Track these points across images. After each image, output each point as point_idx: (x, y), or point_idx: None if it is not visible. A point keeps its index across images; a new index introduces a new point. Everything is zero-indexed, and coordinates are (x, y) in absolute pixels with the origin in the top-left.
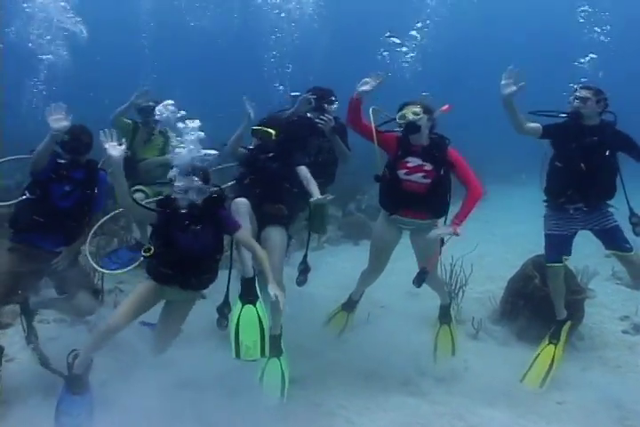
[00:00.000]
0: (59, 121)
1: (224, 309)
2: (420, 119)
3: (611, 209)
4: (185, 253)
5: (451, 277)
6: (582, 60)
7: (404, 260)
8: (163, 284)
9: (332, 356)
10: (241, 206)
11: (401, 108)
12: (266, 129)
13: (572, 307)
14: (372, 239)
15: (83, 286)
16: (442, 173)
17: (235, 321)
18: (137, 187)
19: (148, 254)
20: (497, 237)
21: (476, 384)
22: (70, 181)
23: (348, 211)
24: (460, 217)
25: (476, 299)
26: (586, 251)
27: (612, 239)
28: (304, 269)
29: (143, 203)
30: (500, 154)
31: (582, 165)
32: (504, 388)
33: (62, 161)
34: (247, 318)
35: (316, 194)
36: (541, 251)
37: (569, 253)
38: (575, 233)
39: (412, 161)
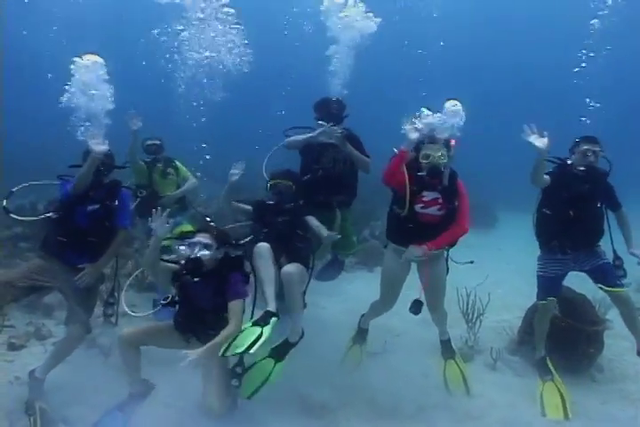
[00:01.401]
0: (99, 145)
1: (237, 368)
2: (444, 163)
3: (600, 248)
4: (191, 305)
5: (467, 307)
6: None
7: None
8: (179, 331)
9: (346, 383)
10: (263, 250)
11: (421, 144)
12: (286, 182)
13: (592, 338)
14: (382, 273)
15: (81, 317)
16: (451, 205)
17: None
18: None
19: (165, 302)
20: (511, 266)
21: (494, 416)
22: (93, 201)
23: (362, 237)
24: (436, 243)
25: (493, 328)
26: None
27: (604, 276)
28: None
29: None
30: (516, 181)
31: (571, 212)
32: (525, 420)
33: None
34: (248, 333)
35: (324, 233)
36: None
37: (556, 294)
38: (566, 274)
39: (428, 195)
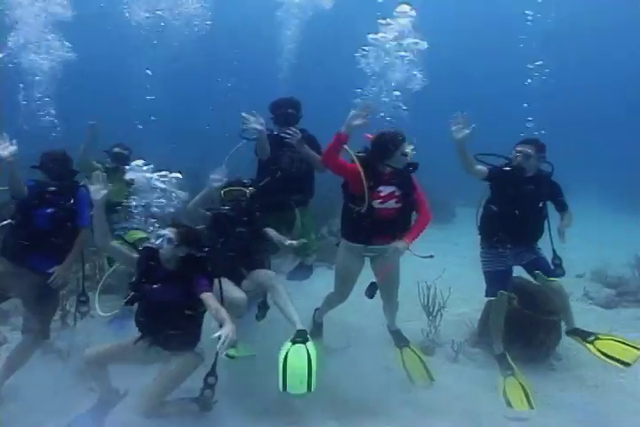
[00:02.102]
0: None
1: (209, 378)
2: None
3: (537, 245)
4: (151, 303)
5: (428, 300)
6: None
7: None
8: (142, 334)
9: None
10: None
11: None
12: (240, 188)
13: (549, 328)
14: (336, 270)
15: (37, 325)
16: (409, 196)
17: (283, 357)
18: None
19: (124, 302)
20: (467, 260)
21: (458, 408)
22: (52, 204)
23: (320, 235)
24: (412, 236)
25: (453, 322)
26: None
27: (540, 267)
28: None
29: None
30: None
31: (516, 211)
32: (488, 411)
33: (51, 188)
34: (296, 354)
35: (286, 242)
36: (515, 273)
37: (508, 288)
38: (510, 269)
39: (384, 189)
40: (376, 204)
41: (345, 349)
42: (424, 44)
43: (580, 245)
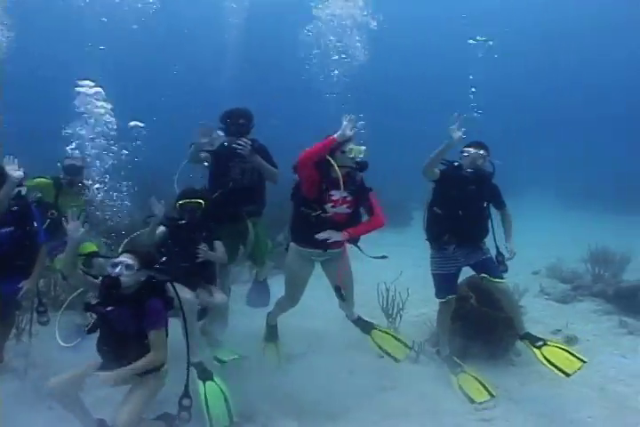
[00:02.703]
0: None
1: (183, 400)
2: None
3: (484, 245)
4: (111, 330)
5: (387, 303)
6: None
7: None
8: (104, 361)
9: (272, 386)
10: (193, 307)
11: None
12: (196, 200)
13: (507, 324)
14: (286, 274)
15: None
16: (363, 202)
17: (203, 399)
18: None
19: (87, 329)
20: (424, 261)
21: (422, 408)
22: (6, 224)
23: (277, 242)
24: (355, 231)
25: (412, 322)
26: (515, 269)
27: (487, 269)
28: None
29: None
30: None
31: (460, 211)
32: (452, 408)
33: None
34: (212, 393)
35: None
36: (470, 272)
37: (455, 292)
38: (459, 270)
39: (335, 194)
40: (328, 208)
41: (305, 354)
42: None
43: (535, 242)
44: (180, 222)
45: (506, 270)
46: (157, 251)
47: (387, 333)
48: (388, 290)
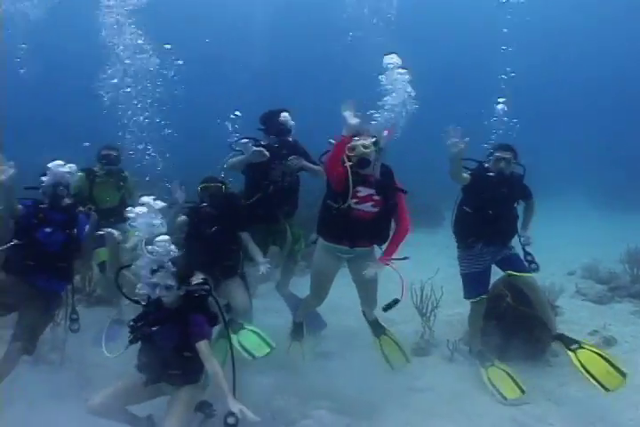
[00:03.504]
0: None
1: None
2: (370, 153)
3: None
4: (152, 344)
5: (421, 301)
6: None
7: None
8: (145, 375)
9: (306, 385)
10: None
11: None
12: (216, 184)
13: (544, 323)
14: (312, 269)
15: (26, 336)
16: (389, 202)
17: (237, 344)
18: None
19: (128, 342)
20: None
21: (456, 406)
22: (50, 224)
23: (309, 241)
24: (388, 254)
25: (446, 322)
26: (550, 269)
27: (512, 264)
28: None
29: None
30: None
31: (490, 212)
32: (486, 407)
33: (43, 206)
34: (244, 335)
35: (259, 259)
36: (501, 274)
37: (485, 291)
38: (488, 269)
39: (362, 190)
40: (352, 203)
41: (340, 352)
42: None
43: (570, 242)
44: (201, 205)
45: (537, 269)
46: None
47: (393, 340)
48: (422, 289)
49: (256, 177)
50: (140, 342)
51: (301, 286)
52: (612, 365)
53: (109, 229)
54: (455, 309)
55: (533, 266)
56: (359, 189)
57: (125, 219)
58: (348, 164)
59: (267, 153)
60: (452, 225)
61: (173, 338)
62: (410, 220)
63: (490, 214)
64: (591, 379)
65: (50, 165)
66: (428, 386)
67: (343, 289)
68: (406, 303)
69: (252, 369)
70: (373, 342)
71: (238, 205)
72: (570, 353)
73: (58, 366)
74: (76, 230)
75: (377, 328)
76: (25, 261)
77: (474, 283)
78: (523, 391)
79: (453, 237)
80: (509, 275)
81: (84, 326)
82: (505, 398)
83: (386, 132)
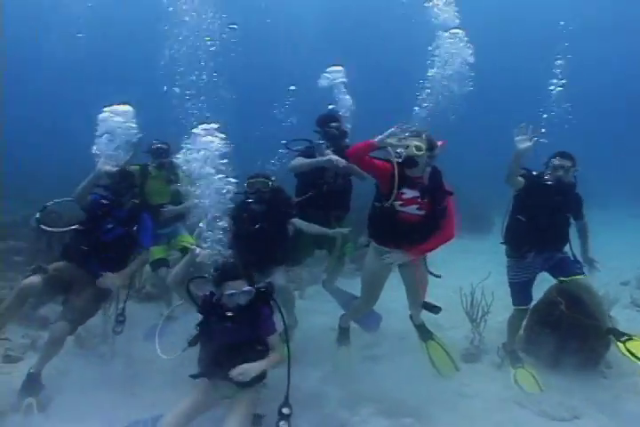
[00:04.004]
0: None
1: (283, 409)
2: (420, 156)
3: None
4: (222, 344)
5: (472, 306)
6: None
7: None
8: (210, 378)
9: (355, 388)
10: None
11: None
12: (262, 179)
13: (599, 333)
14: (363, 272)
15: (73, 316)
16: (437, 205)
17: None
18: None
19: (188, 344)
20: None
21: (505, 415)
22: (113, 220)
23: (358, 244)
24: (421, 249)
25: (497, 329)
26: (603, 279)
27: (563, 268)
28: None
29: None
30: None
31: (545, 221)
32: (535, 419)
33: (105, 202)
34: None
35: (325, 231)
36: (553, 281)
37: (530, 302)
38: (535, 277)
39: (407, 192)
40: (397, 205)
41: (389, 355)
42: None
43: (623, 252)
44: (247, 200)
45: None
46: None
47: (442, 347)
48: (472, 294)
49: (309, 178)
50: (200, 344)
51: (349, 288)
52: None
53: (194, 247)
54: (506, 315)
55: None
56: (405, 191)
57: (179, 218)
58: (395, 160)
59: (344, 162)
60: (504, 235)
61: (247, 332)
62: (456, 226)
63: (544, 223)
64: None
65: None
66: (477, 393)
67: (395, 293)
68: (456, 309)
69: (300, 372)
70: (420, 347)
71: (286, 198)
72: (619, 344)
73: (107, 359)
74: (135, 228)
75: (424, 332)
76: (80, 247)
77: (523, 292)
78: (540, 388)
79: (505, 246)
80: (561, 281)
81: (132, 322)
82: (524, 390)
83: (440, 143)
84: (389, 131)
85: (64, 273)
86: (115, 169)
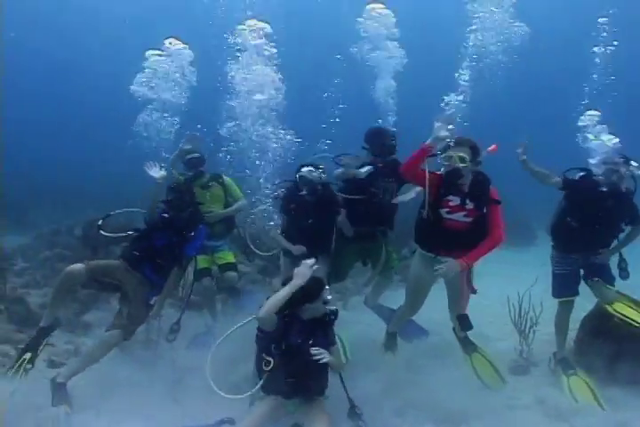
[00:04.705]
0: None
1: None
2: (465, 167)
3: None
4: (294, 358)
5: (520, 316)
6: None
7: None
8: (286, 397)
9: (406, 400)
10: None
11: (447, 146)
12: (317, 172)
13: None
14: (408, 279)
15: (126, 322)
16: (483, 212)
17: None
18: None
19: (270, 368)
20: None
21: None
22: (171, 232)
23: (402, 255)
24: (472, 256)
25: (545, 340)
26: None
27: (602, 273)
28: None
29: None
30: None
31: (597, 226)
32: None
33: (166, 215)
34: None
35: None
36: None
37: (576, 293)
38: (578, 270)
39: (454, 200)
40: (444, 213)
41: (434, 366)
42: None
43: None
44: (300, 194)
45: (627, 277)
46: None
47: (487, 359)
48: (520, 304)
49: (357, 190)
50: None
51: (394, 300)
52: None
53: (306, 261)
54: (553, 327)
55: (624, 274)
56: (450, 198)
57: (230, 228)
58: (427, 170)
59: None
60: (550, 231)
61: (323, 344)
62: (503, 228)
63: (596, 229)
64: None
65: None
66: (527, 405)
67: (438, 303)
68: (503, 320)
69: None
70: (464, 359)
71: (333, 193)
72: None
73: (150, 365)
74: (188, 237)
75: (467, 345)
76: (133, 251)
77: (563, 282)
78: (602, 407)
79: (550, 239)
80: (593, 286)
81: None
82: (577, 401)
83: (492, 147)
84: (436, 126)
85: (117, 271)
86: (163, 176)
